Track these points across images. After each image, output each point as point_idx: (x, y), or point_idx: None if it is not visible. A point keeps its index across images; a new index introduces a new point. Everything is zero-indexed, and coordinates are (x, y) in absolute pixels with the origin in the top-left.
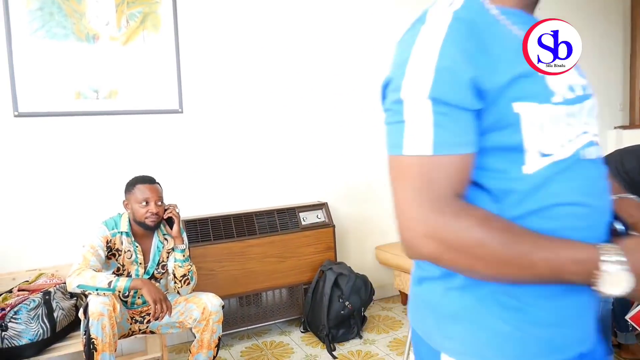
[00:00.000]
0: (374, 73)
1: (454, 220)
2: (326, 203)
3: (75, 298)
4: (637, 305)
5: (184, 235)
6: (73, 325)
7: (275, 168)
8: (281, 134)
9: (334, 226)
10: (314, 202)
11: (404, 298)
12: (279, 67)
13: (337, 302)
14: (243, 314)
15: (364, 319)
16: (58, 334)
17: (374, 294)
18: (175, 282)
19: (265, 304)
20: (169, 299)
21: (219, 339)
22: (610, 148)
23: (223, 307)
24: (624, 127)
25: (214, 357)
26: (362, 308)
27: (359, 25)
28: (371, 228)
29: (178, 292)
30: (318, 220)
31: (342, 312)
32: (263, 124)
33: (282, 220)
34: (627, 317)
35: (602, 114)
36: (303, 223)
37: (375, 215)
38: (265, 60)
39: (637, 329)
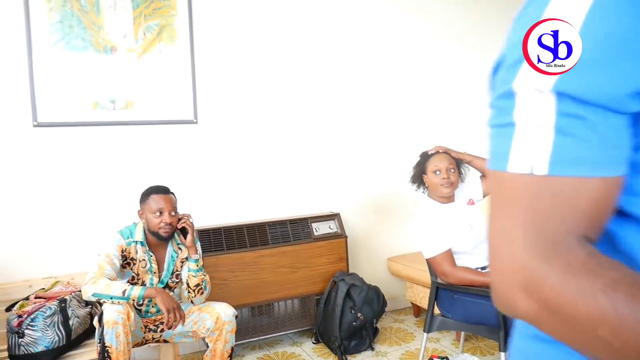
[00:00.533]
0: (386, 85)
1: (564, 274)
2: (338, 214)
3: (90, 306)
4: None
5: (198, 245)
6: (88, 333)
7: (288, 179)
8: (294, 145)
9: (346, 237)
10: (327, 212)
11: (415, 310)
12: (292, 79)
13: (349, 313)
14: (255, 324)
15: (375, 331)
16: (73, 341)
17: (386, 306)
18: (189, 292)
19: (277, 314)
20: (183, 308)
21: (232, 349)
22: None
23: (236, 317)
24: None
25: None
26: (374, 319)
27: (371, 40)
28: (383, 239)
29: (192, 302)
30: (330, 230)
31: (354, 323)
32: (276, 135)
33: (294, 230)
34: None
35: None
36: (315, 233)
37: (387, 227)
38: (279, 71)
39: None
